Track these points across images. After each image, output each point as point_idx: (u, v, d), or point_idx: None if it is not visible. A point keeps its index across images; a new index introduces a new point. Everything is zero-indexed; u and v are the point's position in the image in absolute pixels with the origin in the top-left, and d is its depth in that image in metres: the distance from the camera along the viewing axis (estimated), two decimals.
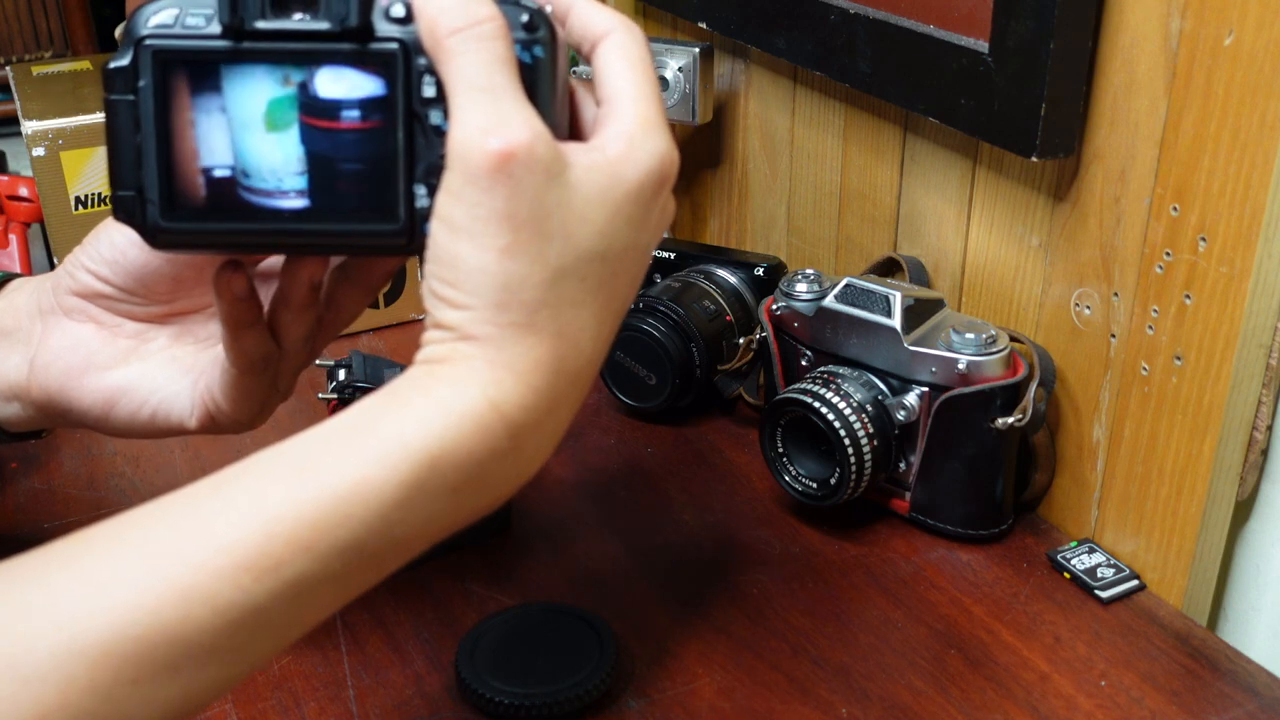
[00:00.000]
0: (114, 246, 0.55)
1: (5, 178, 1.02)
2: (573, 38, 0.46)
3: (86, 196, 0.86)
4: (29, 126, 0.84)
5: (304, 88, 0.44)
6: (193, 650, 0.37)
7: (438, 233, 0.42)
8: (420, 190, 0.44)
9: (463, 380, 0.41)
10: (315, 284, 0.52)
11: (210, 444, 0.78)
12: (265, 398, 0.55)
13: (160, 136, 0.44)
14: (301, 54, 0.43)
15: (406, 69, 0.43)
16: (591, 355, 0.44)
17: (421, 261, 0.43)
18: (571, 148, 0.43)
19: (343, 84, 0.43)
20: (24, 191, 1.00)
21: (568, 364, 0.43)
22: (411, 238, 0.44)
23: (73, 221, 0.86)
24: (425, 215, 0.44)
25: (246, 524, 0.38)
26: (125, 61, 0.44)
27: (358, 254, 0.52)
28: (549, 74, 0.44)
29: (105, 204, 0.87)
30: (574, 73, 0.48)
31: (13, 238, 1.00)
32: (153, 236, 0.46)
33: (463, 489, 0.41)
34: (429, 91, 0.43)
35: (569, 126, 0.47)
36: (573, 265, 0.42)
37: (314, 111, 0.44)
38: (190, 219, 0.45)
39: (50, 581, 0.38)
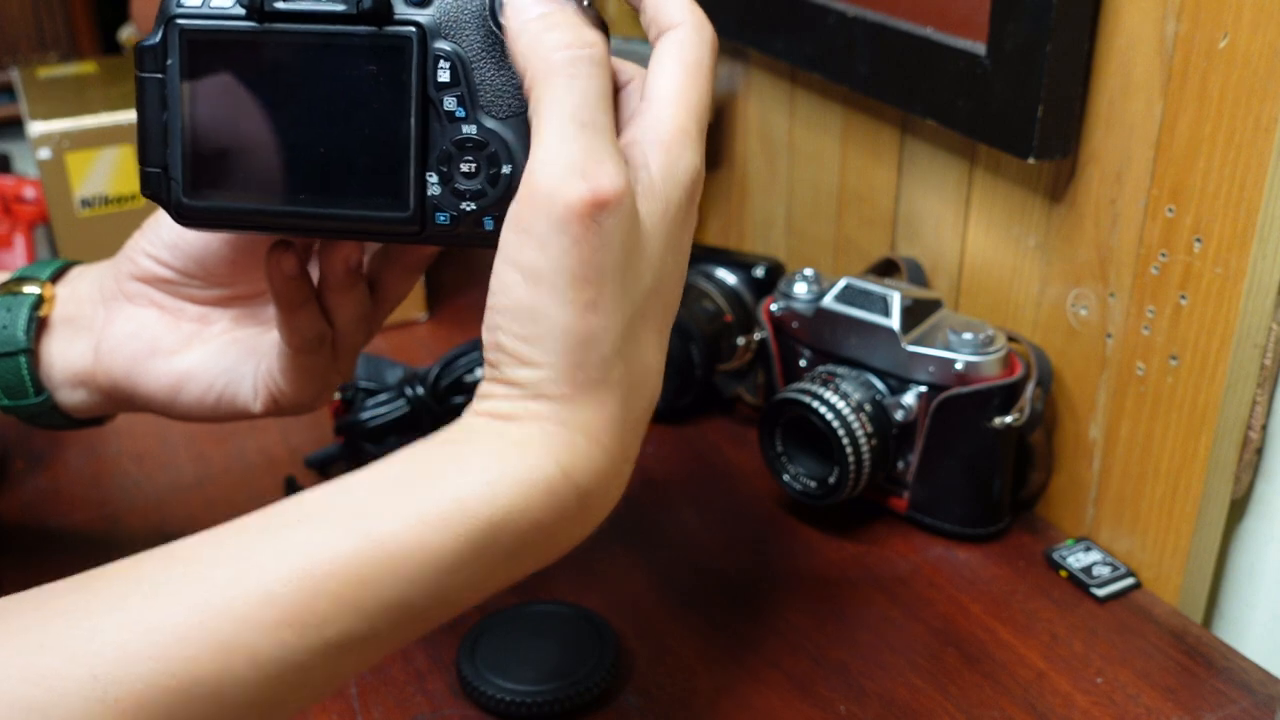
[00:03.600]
0: (172, 229, 0.54)
1: (11, 179, 1.03)
2: (644, 20, 0.44)
3: (92, 198, 0.87)
4: (34, 128, 0.85)
5: (321, 69, 0.43)
6: (227, 704, 0.36)
7: (514, 284, 0.39)
8: (432, 178, 0.43)
9: (534, 445, 0.38)
10: (353, 266, 0.51)
11: (215, 444, 0.78)
12: (325, 378, 0.54)
13: (185, 114, 0.45)
14: (319, 35, 0.43)
15: (422, 54, 0.42)
16: (653, 395, 0.42)
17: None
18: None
19: (358, 66, 0.43)
20: (29, 193, 1.01)
21: (635, 413, 0.41)
22: (423, 226, 0.44)
23: (78, 223, 0.87)
24: (436, 204, 0.43)
25: (294, 576, 0.36)
26: (156, 40, 0.44)
27: (371, 239, 0.51)
28: None
29: (110, 205, 0.87)
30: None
31: (19, 239, 1.01)
32: (178, 213, 0.46)
33: (521, 553, 0.39)
34: (444, 77, 0.42)
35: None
36: (640, 308, 0.40)
37: (330, 93, 0.44)
38: (212, 197, 0.46)
39: (90, 621, 0.35)
